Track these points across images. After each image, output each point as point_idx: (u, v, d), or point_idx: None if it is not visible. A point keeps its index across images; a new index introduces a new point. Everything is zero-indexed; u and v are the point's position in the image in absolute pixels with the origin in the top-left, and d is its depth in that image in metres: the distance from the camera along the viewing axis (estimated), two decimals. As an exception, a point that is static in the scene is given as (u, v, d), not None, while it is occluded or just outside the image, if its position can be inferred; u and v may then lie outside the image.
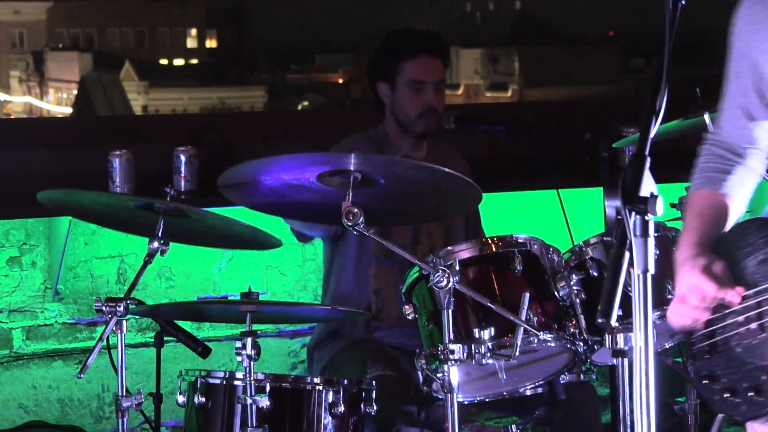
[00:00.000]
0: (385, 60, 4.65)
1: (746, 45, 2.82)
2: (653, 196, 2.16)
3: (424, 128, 4.60)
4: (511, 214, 5.72)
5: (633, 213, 2.17)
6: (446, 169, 3.61)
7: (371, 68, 4.72)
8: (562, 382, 3.88)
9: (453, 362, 3.49)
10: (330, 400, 3.81)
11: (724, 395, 2.72)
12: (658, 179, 2.24)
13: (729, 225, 2.84)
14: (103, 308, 3.80)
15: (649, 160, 2.21)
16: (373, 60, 4.73)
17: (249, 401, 3.67)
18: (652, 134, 2.24)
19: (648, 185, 2.18)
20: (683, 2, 2.35)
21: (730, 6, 2.92)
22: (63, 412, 5.19)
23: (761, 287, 2.69)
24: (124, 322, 3.82)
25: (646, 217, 2.16)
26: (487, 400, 3.91)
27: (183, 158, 5.08)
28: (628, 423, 3.72)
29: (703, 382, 2.78)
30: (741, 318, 2.68)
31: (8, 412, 5.12)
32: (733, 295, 2.67)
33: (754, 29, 2.78)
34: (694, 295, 2.72)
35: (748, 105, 2.86)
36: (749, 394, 2.67)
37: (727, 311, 2.72)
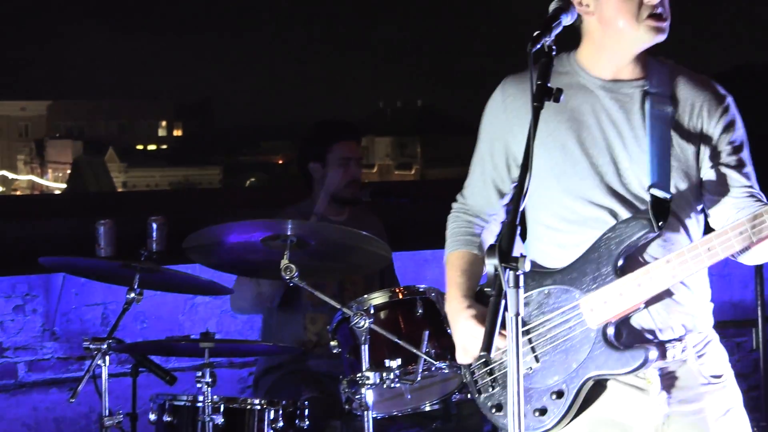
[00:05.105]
0: (318, 143, 4.60)
1: (499, 129, 2.72)
2: (522, 256, 2.17)
3: (350, 195, 4.60)
4: (416, 267, 5.74)
5: (507, 269, 2.17)
6: (363, 232, 3.63)
7: (304, 152, 4.64)
8: (453, 400, 3.88)
9: (368, 386, 3.49)
10: (272, 417, 3.78)
11: None
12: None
13: (482, 277, 2.78)
14: (90, 346, 3.77)
15: (519, 229, 2.22)
16: (305, 146, 4.66)
17: (207, 419, 3.64)
18: (521, 208, 2.25)
19: (518, 248, 2.19)
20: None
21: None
22: (58, 429, 5.11)
23: (528, 326, 2.64)
24: (107, 356, 3.78)
25: (517, 273, 2.16)
26: (397, 414, 3.89)
27: (155, 225, 5.01)
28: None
29: (493, 411, 2.70)
30: None
31: (13, 430, 5.03)
32: (501, 338, 2.50)
33: (506, 117, 2.69)
34: (475, 340, 2.65)
35: (496, 180, 2.77)
36: (535, 415, 2.59)
37: (502, 349, 2.57)
